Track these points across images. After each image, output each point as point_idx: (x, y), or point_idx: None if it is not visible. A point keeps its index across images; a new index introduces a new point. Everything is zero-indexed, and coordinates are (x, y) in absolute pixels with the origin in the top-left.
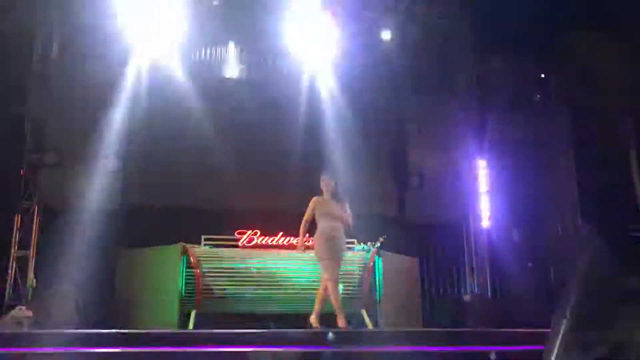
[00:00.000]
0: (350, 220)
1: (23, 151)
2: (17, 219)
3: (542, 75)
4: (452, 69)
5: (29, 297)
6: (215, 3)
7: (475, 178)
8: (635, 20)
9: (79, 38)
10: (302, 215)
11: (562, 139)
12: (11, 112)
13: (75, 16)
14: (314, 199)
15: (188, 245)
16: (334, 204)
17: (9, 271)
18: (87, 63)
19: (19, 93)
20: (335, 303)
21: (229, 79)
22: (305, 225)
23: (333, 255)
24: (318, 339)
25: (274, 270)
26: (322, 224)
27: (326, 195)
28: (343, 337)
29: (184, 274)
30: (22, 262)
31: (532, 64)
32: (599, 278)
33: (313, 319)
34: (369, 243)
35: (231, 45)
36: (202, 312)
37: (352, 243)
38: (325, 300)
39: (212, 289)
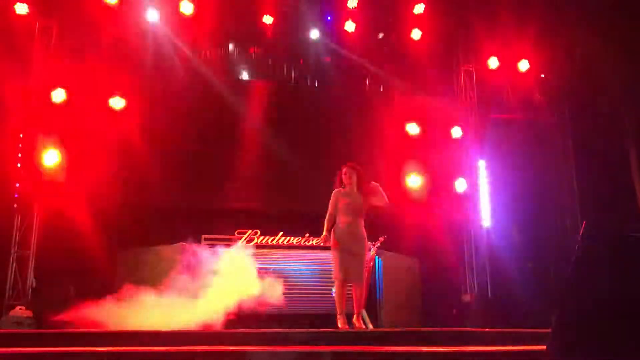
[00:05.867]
0: (385, 198)
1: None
2: (17, 219)
3: (542, 75)
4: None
5: (29, 297)
6: None
7: (475, 178)
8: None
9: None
10: (302, 215)
11: (562, 139)
12: None
13: None
14: (336, 191)
15: (188, 245)
16: (356, 196)
17: (9, 271)
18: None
19: None
20: (336, 303)
21: (233, 80)
22: (329, 220)
23: (343, 253)
24: (318, 339)
25: (273, 270)
26: (339, 219)
27: (348, 187)
28: (343, 338)
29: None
30: (22, 262)
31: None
32: (598, 278)
33: (353, 319)
34: (369, 243)
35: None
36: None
37: None
38: (358, 300)
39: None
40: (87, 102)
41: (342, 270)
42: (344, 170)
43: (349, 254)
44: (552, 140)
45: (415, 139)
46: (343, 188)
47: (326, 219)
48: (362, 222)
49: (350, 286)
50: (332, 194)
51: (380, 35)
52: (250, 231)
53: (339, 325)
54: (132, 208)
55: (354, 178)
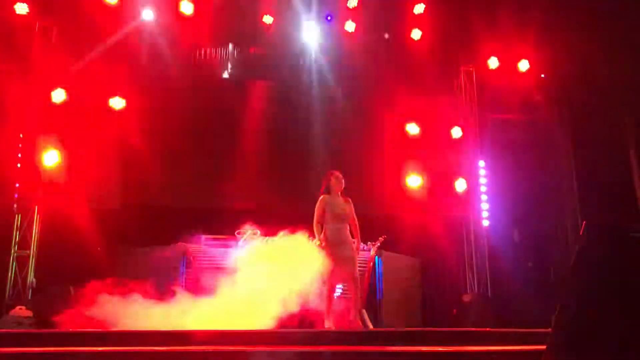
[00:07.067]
0: (357, 226)
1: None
2: (17, 219)
3: (542, 75)
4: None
5: (29, 297)
6: None
7: (475, 178)
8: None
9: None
10: (302, 215)
11: (562, 138)
12: None
13: None
14: (323, 198)
15: (188, 245)
16: (342, 202)
17: (9, 271)
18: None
19: None
20: (325, 306)
21: (233, 80)
22: (318, 226)
23: (334, 257)
24: (318, 339)
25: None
26: (327, 226)
27: (333, 193)
28: (343, 338)
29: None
30: (22, 262)
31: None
32: (599, 278)
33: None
34: (369, 243)
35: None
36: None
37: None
38: (355, 299)
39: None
40: (87, 102)
41: (334, 276)
42: (334, 176)
43: (339, 258)
44: (552, 140)
45: (415, 139)
46: (328, 194)
47: (314, 226)
48: (348, 228)
49: (341, 288)
50: (319, 201)
51: (386, 36)
52: (249, 231)
53: (326, 326)
54: (132, 208)
55: (342, 185)
